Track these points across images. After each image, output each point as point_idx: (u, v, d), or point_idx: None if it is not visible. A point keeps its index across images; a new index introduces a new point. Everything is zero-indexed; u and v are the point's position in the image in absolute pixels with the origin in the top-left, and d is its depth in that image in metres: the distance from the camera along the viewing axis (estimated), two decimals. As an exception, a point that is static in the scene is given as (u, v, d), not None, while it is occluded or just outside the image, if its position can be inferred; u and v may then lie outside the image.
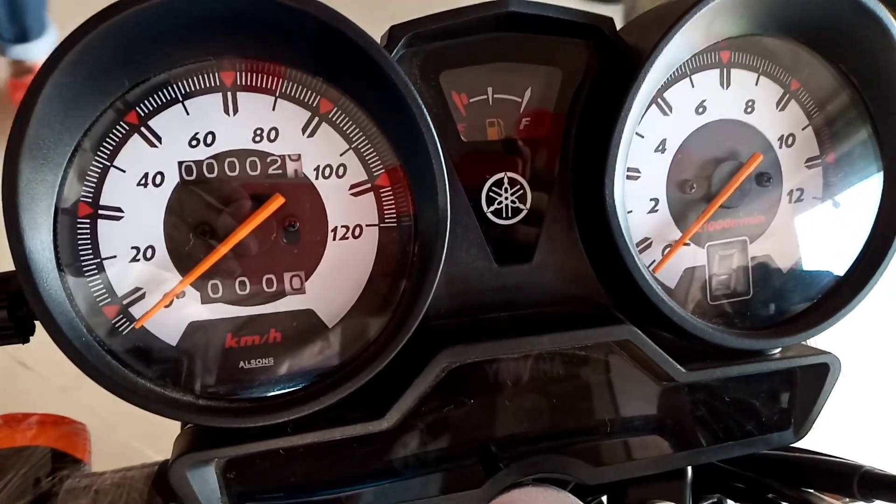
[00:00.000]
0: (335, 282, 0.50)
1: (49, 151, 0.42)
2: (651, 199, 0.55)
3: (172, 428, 0.55)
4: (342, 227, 0.50)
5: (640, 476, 0.56)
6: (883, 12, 0.53)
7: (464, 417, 0.52)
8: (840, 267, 0.57)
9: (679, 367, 0.52)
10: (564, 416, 0.54)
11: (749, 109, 0.57)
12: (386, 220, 0.51)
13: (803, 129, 0.58)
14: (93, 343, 0.45)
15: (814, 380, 0.56)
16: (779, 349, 0.56)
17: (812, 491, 0.57)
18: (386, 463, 0.51)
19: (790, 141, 0.58)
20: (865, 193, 0.58)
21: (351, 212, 0.50)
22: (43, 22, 2.00)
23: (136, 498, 0.73)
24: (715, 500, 0.67)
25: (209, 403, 0.47)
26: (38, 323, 0.50)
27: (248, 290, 0.49)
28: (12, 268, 0.43)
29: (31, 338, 0.50)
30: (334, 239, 0.50)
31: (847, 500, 0.58)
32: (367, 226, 0.50)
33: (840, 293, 0.56)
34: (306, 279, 0.50)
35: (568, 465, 0.53)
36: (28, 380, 1.75)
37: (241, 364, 0.49)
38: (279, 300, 0.49)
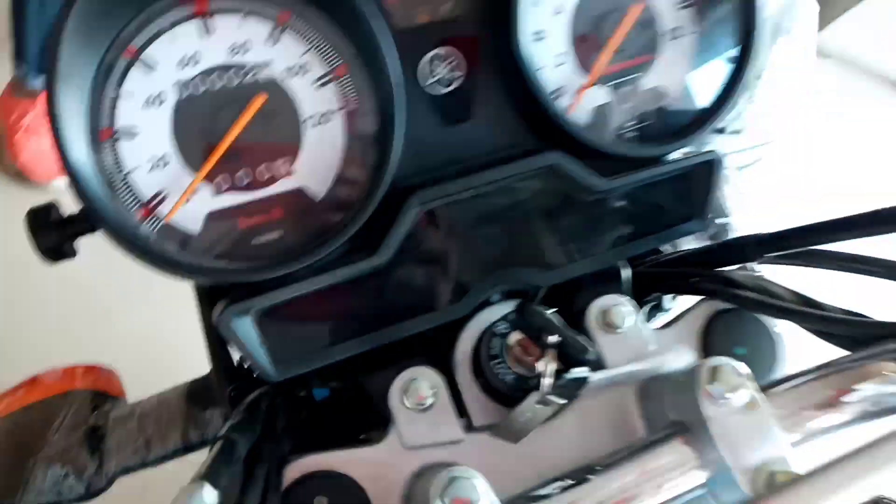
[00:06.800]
0: (316, 163, 0.62)
1: (76, 78, 0.53)
2: (557, 55, 0.68)
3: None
4: (311, 115, 0.62)
5: (583, 282, 0.70)
6: None
7: (440, 254, 0.64)
8: (716, 87, 0.71)
9: (600, 178, 0.65)
10: (517, 240, 0.67)
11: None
12: (349, 104, 0.62)
13: (671, -23, 0.71)
14: (138, 235, 0.56)
15: (706, 175, 0.70)
16: (676, 155, 0.70)
17: (723, 269, 0.72)
18: (386, 298, 0.64)
19: (661, -12, 0.71)
20: (733, 25, 0.71)
21: (319, 101, 0.62)
22: None
23: (176, 412, 0.84)
24: (654, 300, 0.81)
25: (236, 266, 0.59)
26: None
27: (249, 179, 0.60)
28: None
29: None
30: (310, 127, 0.62)
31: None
32: (334, 111, 0.62)
33: (719, 105, 0.69)
34: (293, 164, 0.61)
35: (523, 274, 0.66)
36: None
37: (254, 240, 0.60)
38: (275, 183, 0.61)
